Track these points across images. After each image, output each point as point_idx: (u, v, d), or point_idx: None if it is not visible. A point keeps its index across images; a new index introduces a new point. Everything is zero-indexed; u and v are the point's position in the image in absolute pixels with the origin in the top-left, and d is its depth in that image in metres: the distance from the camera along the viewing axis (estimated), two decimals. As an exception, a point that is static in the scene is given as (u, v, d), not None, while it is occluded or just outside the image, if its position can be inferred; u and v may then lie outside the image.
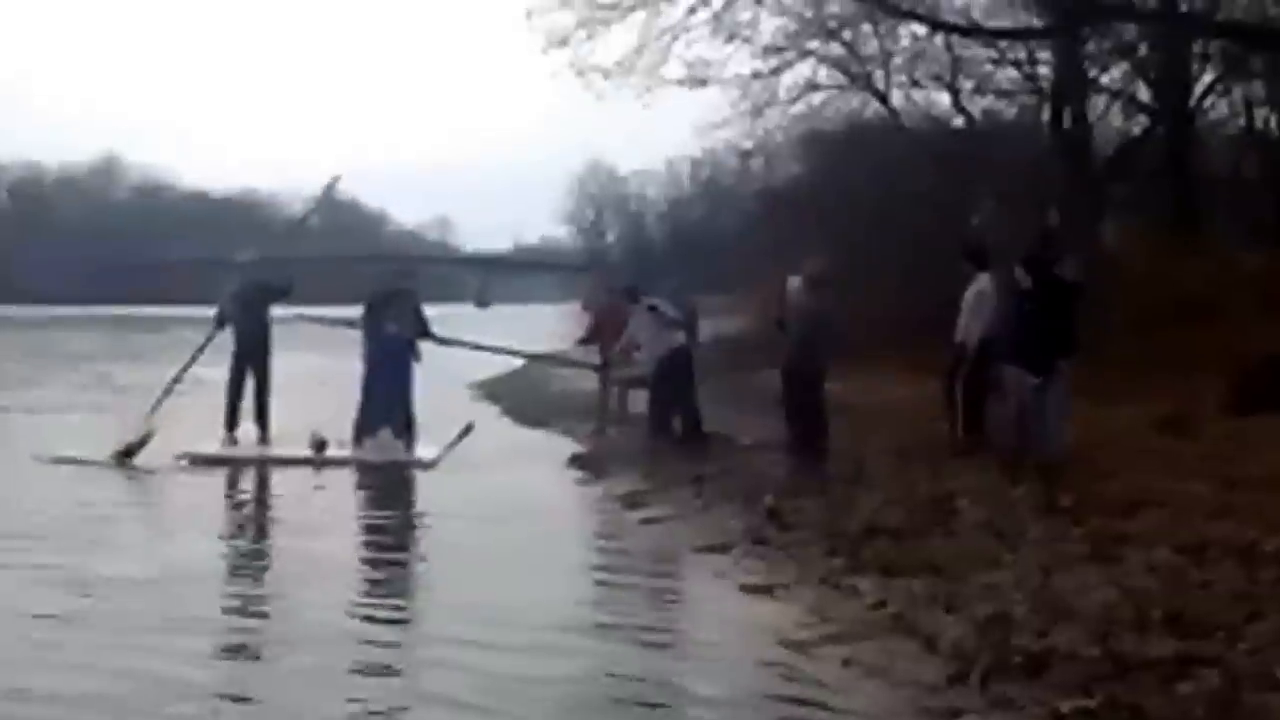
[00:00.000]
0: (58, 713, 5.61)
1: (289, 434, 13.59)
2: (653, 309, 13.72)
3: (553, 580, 8.27)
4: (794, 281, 12.50)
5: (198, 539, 9.36)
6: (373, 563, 9.02)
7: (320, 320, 15.64)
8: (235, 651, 6.62)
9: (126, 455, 12.71)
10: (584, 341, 16.42)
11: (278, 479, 12.30)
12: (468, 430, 13.84)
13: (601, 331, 15.66)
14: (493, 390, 21.04)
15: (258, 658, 6.57)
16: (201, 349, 14.15)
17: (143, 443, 12.86)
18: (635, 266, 48.99)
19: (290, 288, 14.43)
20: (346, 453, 13.21)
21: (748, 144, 24.97)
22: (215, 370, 14.12)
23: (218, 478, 12.24)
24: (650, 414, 13.89)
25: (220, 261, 15.62)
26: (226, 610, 7.43)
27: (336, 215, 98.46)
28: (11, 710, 5.62)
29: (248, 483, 12.27)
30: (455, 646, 6.55)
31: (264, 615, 7.34)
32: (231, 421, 14.00)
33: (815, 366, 12.25)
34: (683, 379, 13.61)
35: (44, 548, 8.92)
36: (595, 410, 15.39)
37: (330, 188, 14.86)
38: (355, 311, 14.20)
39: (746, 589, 7.77)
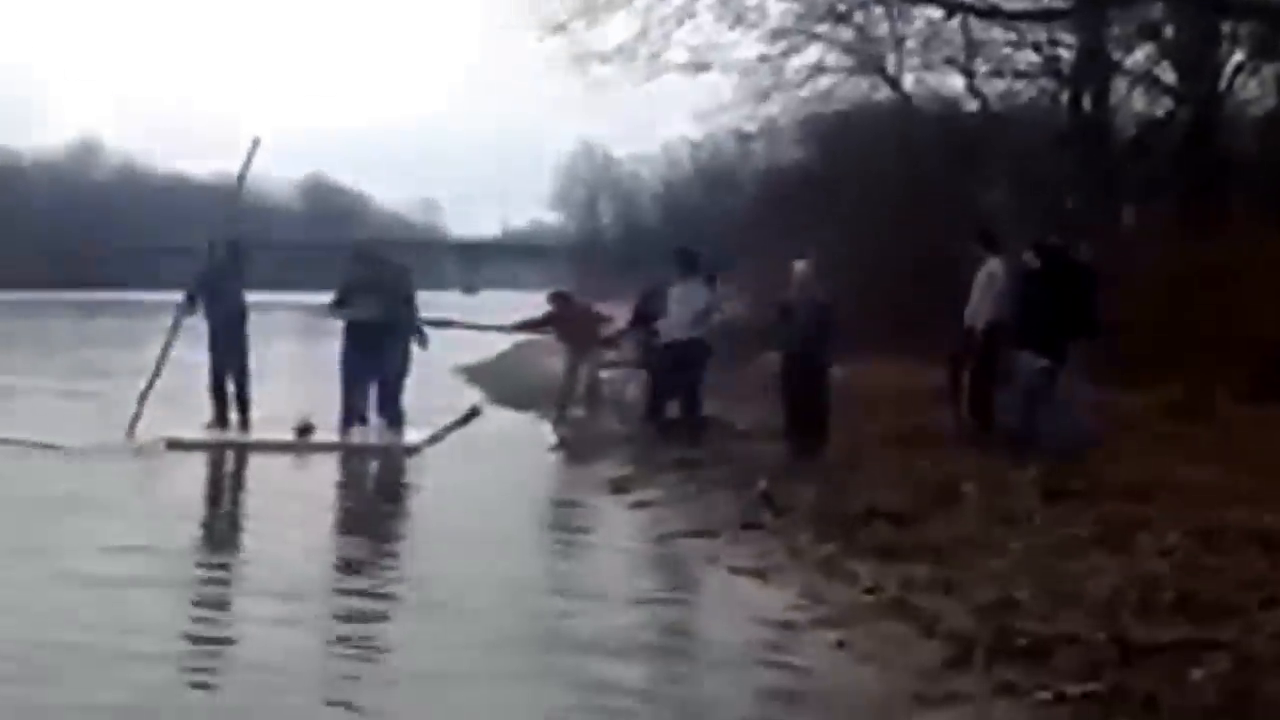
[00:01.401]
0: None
1: (277, 419, 13.17)
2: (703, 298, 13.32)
3: (537, 558, 8.29)
4: (799, 266, 12.16)
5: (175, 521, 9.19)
6: (359, 545, 8.65)
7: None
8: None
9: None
10: (527, 326, 15.92)
11: (258, 464, 11.97)
12: (473, 414, 13.53)
13: (559, 324, 15.30)
14: (478, 375, 20.75)
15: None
16: (172, 335, 13.54)
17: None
18: (629, 251, 48.58)
19: (238, 248, 14.15)
20: (333, 437, 12.87)
21: (750, 128, 24.52)
22: (198, 353, 13.76)
23: (197, 463, 11.91)
24: (649, 396, 13.54)
25: (188, 249, 15.23)
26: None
27: (321, 199, 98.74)
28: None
29: (227, 468, 12.00)
30: (452, 611, 6.68)
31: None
32: (220, 415, 13.58)
33: (820, 354, 11.90)
34: (695, 371, 13.18)
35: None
36: (559, 394, 14.94)
37: (252, 151, 14.27)
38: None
39: (737, 572, 7.53)
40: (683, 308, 13.17)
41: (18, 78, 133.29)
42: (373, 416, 13.45)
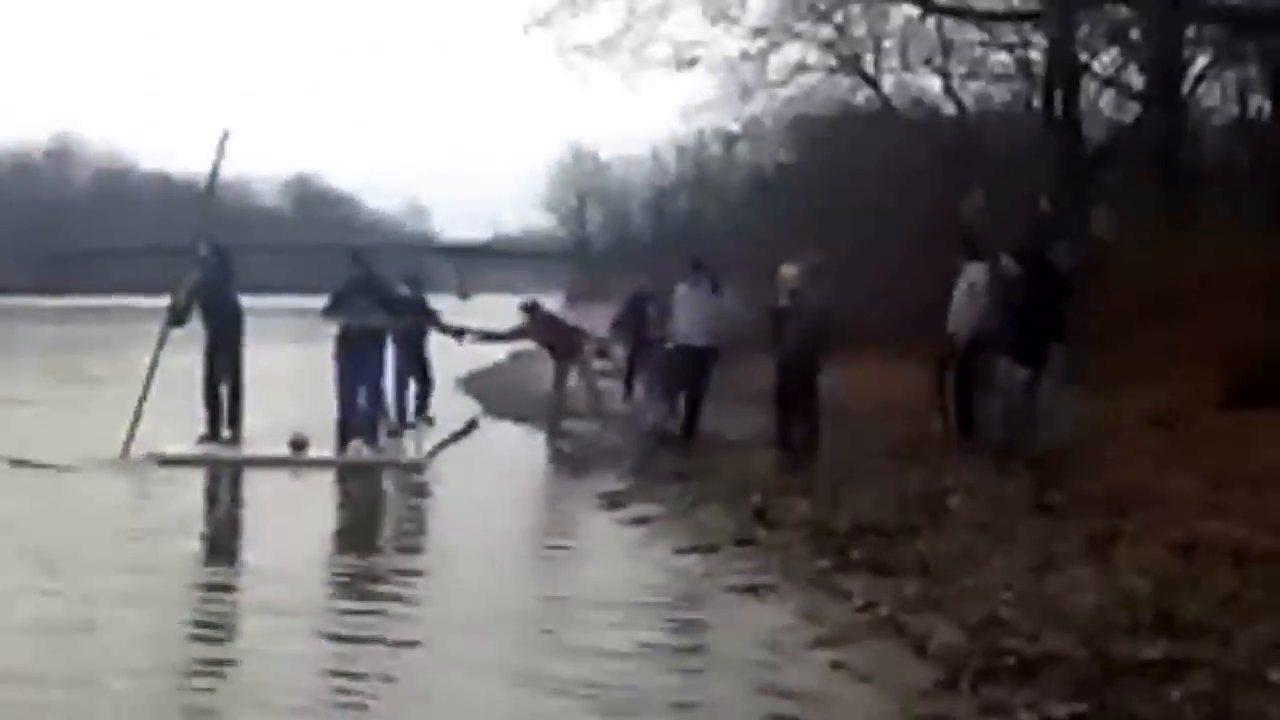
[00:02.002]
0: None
1: (272, 431, 13.18)
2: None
3: (534, 576, 8.52)
4: (787, 270, 12.33)
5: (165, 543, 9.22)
6: (354, 566, 8.75)
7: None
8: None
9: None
10: (507, 336, 16.19)
11: (251, 482, 11.88)
12: (471, 426, 13.69)
13: (533, 335, 15.56)
14: (474, 385, 20.82)
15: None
16: (158, 350, 13.17)
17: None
18: (619, 256, 48.66)
19: (223, 252, 14.05)
20: (328, 454, 12.79)
21: (735, 127, 24.91)
22: (183, 357, 13.75)
23: (189, 480, 11.81)
24: (659, 398, 13.75)
25: (180, 250, 15.08)
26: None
27: (309, 203, 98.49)
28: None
29: (221, 485, 11.90)
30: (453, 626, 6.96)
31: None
32: (214, 427, 13.59)
33: (814, 361, 12.08)
34: (703, 378, 13.38)
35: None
36: (548, 407, 15.07)
37: (222, 144, 13.98)
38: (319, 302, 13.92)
39: (733, 590, 7.67)
40: (694, 312, 13.39)
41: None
42: (381, 435, 13.49)
